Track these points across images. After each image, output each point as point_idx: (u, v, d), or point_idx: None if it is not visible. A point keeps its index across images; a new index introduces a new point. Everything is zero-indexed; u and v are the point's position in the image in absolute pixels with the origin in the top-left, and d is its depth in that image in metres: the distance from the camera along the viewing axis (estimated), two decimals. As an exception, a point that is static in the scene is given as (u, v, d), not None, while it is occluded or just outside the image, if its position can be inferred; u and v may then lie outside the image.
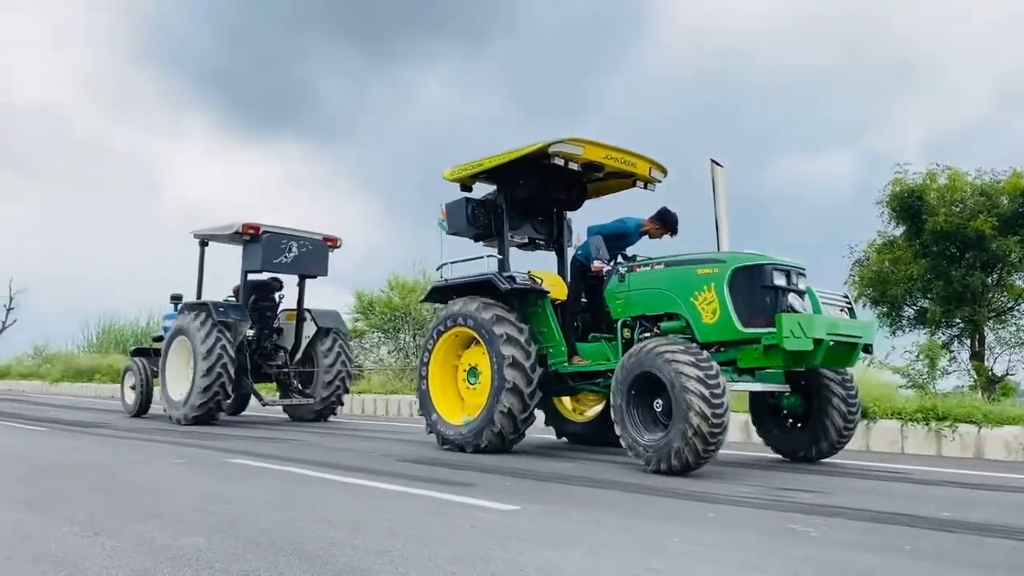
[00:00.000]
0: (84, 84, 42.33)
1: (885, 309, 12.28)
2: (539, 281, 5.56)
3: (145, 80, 43.17)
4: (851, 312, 5.00)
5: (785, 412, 5.11)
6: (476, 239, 6.06)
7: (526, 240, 6.18)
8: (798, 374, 4.83)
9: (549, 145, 5.15)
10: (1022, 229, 11.10)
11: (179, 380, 8.09)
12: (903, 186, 11.77)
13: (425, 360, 5.79)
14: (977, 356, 11.77)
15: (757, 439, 5.41)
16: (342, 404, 9.06)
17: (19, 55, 39.64)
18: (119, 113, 43.20)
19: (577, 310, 5.57)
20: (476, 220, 5.77)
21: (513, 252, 5.90)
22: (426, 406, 5.72)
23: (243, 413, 9.82)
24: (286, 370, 8.92)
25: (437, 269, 6.09)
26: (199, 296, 8.83)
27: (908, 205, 11.68)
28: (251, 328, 8.50)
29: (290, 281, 9.15)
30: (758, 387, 4.81)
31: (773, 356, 4.30)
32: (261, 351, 8.89)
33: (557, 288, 5.71)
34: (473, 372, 5.60)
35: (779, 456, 5.19)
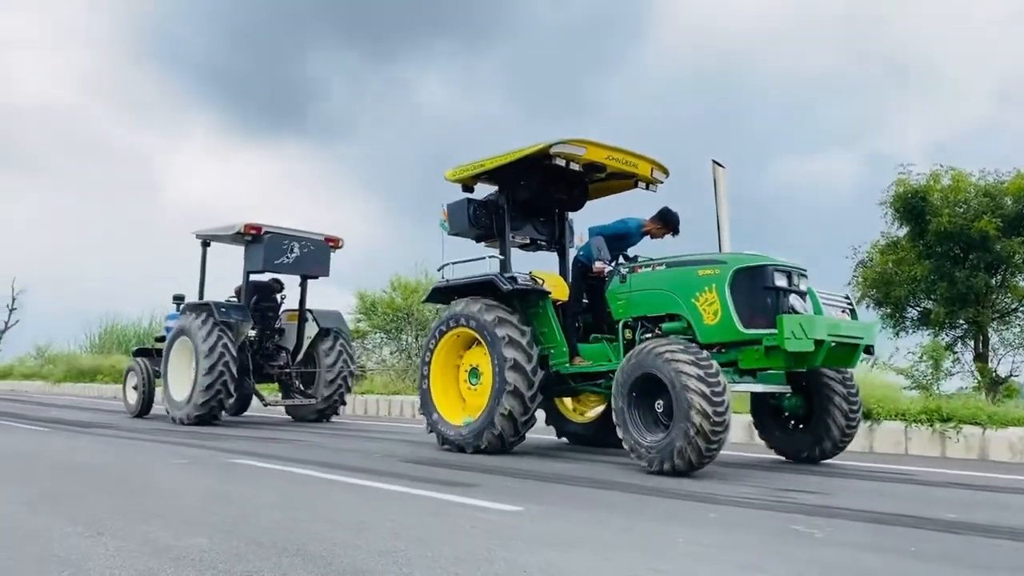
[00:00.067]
0: (84, 84, 42.47)
1: (889, 310, 12.24)
2: (540, 282, 5.56)
3: (145, 80, 43.28)
4: (852, 313, 4.99)
5: (787, 413, 5.10)
6: (478, 240, 6.06)
7: (527, 241, 6.18)
8: (799, 375, 4.82)
9: (551, 146, 5.15)
10: (1026, 230, 11.06)
11: (181, 380, 8.10)
12: (907, 187, 11.73)
13: (427, 360, 5.80)
14: (981, 357, 11.73)
15: (759, 441, 5.40)
16: (344, 403, 9.07)
17: (19, 55, 39.79)
18: (119, 113, 43.32)
19: (578, 311, 5.56)
20: (478, 221, 5.77)
21: (514, 253, 5.90)
22: (427, 405, 5.72)
23: (245, 414, 9.83)
24: (288, 370, 8.93)
25: (438, 270, 6.09)
26: (201, 296, 8.85)
27: (912, 206, 11.64)
28: (253, 328, 8.50)
29: (292, 281, 9.17)
30: (759, 388, 4.80)
31: (774, 357, 4.30)
32: (263, 351, 8.90)
33: (558, 289, 5.70)
34: (474, 373, 5.60)
35: (782, 458, 5.18)
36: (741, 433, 6.48)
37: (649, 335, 4.77)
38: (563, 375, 5.36)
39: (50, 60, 41.26)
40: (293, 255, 8.49)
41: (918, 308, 12.29)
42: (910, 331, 12.30)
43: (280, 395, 9.23)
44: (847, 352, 4.51)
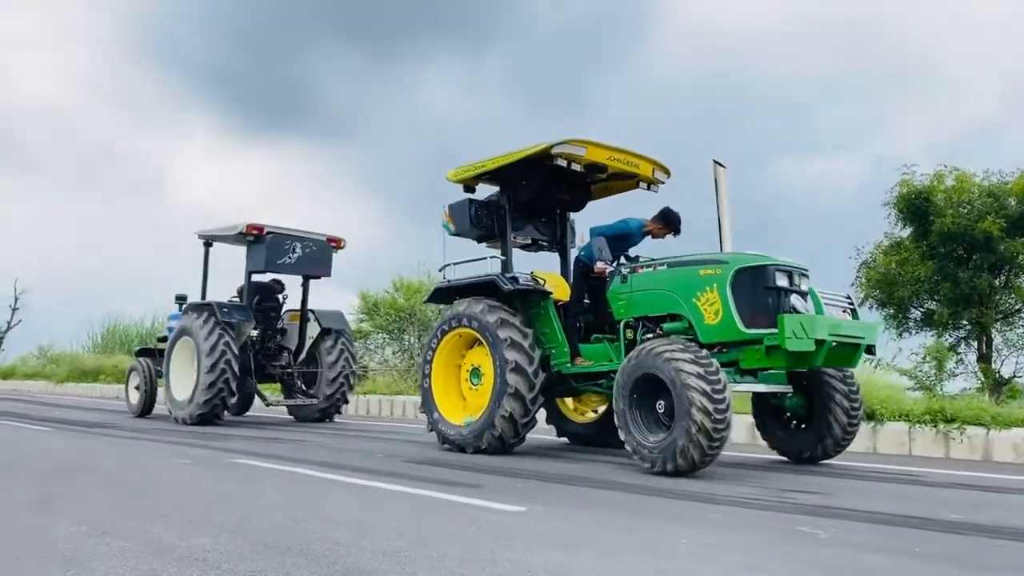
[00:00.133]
0: (84, 84, 42.50)
1: (892, 311, 12.22)
2: (542, 282, 5.55)
3: (145, 80, 43.28)
4: (854, 313, 4.98)
5: (788, 414, 5.09)
6: (479, 240, 6.06)
7: (529, 241, 6.18)
8: (800, 374, 4.82)
9: (552, 146, 5.15)
10: (1030, 231, 11.03)
11: (183, 380, 8.10)
12: (910, 187, 11.72)
13: (429, 358, 5.80)
14: (984, 358, 11.70)
15: (762, 442, 5.39)
16: (347, 402, 9.07)
17: (19, 55, 39.86)
18: (120, 113, 43.34)
19: (580, 311, 5.56)
20: (479, 221, 5.77)
21: (516, 253, 5.90)
22: (428, 404, 5.73)
23: (247, 414, 9.84)
24: (290, 370, 8.94)
25: (440, 270, 6.09)
26: (203, 296, 8.87)
27: (915, 206, 11.62)
28: (255, 328, 8.51)
29: (294, 282, 9.18)
30: (761, 388, 4.80)
31: (775, 357, 4.30)
32: (265, 351, 8.91)
33: (560, 289, 5.70)
34: (476, 373, 5.60)
35: (784, 458, 5.17)
36: (744, 434, 6.47)
37: (650, 335, 4.77)
38: (564, 375, 5.36)
39: (50, 60, 41.35)
40: (295, 255, 8.50)
41: (922, 309, 12.26)
42: (913, 332, 12.28)
43: (282, 395, 9.23)
44: (848, 352, 4.51)
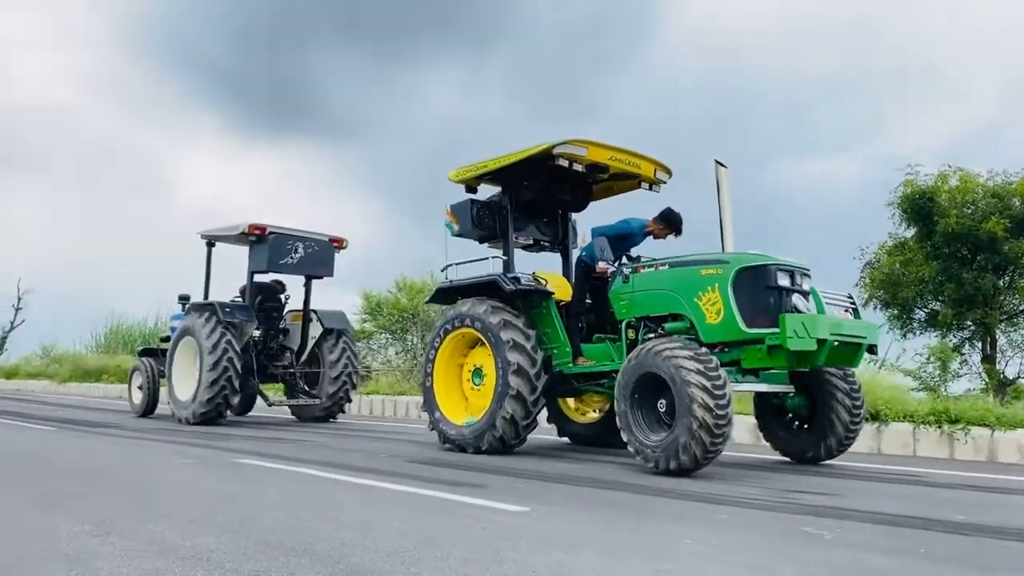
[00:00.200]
0: (84, 84, 42.57)
1: (896, 311, 12.19)
2: (544, 282, 5.55)
3: (145, 80, 43.35)
4: (855, 312, 4.98)
5: (790, 414, 5.09)
6: (481, 240, 6.06)
7: (531, 241, 6.18)
8: (801, 374, 4.81)
9: (553, 146, 5.15)
10: (1034, 231, 11.00)
11: (185, 380, 8.12)
12: (914, 188, 11.68)
13: (431, 358, 5.80)
14: (989, 359, 11.67)
15: (765, 443, 5.37)
16: (350, 400, 9.08)
17: (19, 55, 39.97)
18: (120, 113, 43.42)
19: (581, 311, 5.56)
20: (481, 221, 5.77)
21: (518, 253, 5.90)
22: (430, 403, 5.73)
23: (249, 414, 9.85)
24: (292, 370, 8.95)
25: (442, 270, 6.09)
26: (206, 296, 8.87)
27: (919, 207, 11.59)
28: (257, 329, 8.52)
29: (296, 282, 9.19)
30: (762, 387, 4.79)
31: (777, 356, 4.29)
32: (267, 351, 8.92)
33: (562, 289, 5.70)
34: (478, 373, 5.60)
35: (787, 459, 5.16)
36: (746, 435, 6.46)
37: (652, 335, 4.76)
38: (566, 375, 5.36)
39: (50, 60, 41.43)
40: (297, 255, 8.51)
41: (926, 309, 12.23)
42: (917, 332, 12.25)
43: (284, 395, 9.25)
44: (850, 351, 4.50)
